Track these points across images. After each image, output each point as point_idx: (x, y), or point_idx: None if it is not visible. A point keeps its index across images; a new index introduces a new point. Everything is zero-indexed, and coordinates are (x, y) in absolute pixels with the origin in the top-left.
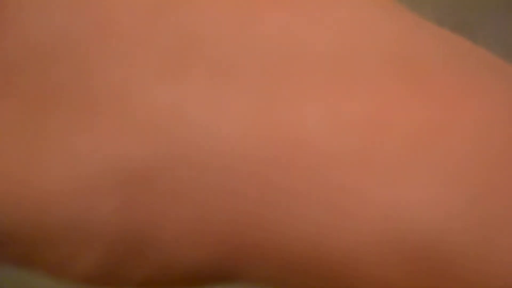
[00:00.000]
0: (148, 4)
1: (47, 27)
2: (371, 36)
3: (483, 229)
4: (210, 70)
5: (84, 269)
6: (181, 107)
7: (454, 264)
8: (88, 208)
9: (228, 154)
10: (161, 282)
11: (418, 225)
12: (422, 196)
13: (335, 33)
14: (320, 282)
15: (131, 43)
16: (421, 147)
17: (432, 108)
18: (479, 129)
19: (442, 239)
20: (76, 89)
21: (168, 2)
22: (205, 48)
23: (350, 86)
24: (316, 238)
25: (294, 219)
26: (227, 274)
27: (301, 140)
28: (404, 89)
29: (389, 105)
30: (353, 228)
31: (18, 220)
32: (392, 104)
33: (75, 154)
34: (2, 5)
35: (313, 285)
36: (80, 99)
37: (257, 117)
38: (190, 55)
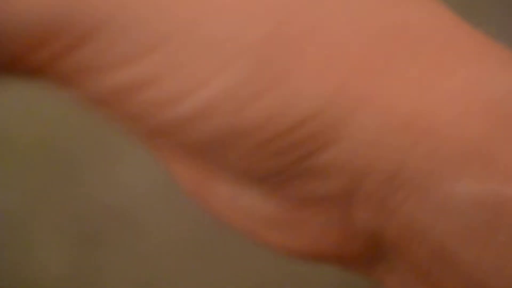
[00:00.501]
0: None
1: None
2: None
3: None
4: None
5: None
6: None
7: None
8: (240, 28)
9: None
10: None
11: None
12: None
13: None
14: (406, 140)
15: None
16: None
17: None
18: None
19: None
20: None
21: None
22: None
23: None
24: (415, 97)
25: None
26: (323, 141)
27: None
28: None
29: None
30: (443, 89)
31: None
32: None
33: None
34: None
35: (400, 145)
36: None
37: None
38: None
